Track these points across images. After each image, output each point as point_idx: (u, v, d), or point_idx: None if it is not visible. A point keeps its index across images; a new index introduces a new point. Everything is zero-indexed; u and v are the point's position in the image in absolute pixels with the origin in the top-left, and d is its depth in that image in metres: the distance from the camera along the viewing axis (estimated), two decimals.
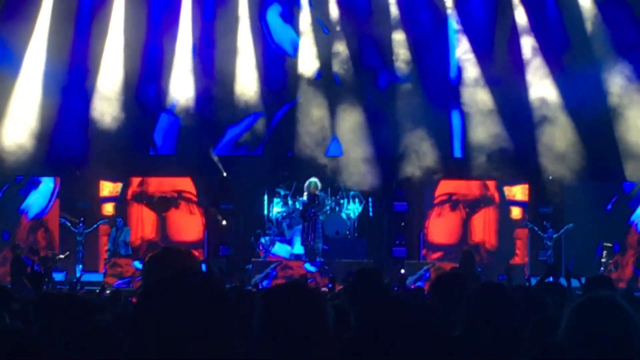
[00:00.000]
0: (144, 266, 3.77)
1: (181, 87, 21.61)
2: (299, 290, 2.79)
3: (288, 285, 2.90)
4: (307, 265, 18.29)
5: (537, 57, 21.17)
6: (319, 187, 18.89)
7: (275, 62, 22.21)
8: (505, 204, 20.97)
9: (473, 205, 20.99)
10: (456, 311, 4.26)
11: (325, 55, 21.71)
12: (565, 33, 21.17)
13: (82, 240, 19.81)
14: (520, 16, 21.39)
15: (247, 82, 21.70)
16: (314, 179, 18.89)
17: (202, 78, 21.71)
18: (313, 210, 18.48)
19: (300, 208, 19.19)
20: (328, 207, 19.36)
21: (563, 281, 8.42)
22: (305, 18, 21.96)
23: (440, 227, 20.99)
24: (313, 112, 21.45)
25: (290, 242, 19.68)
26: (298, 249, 19.44)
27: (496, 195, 21.03)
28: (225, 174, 21.41)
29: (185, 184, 21.44)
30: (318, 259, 18.58)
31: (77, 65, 21.35)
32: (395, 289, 12.56)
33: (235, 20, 21.81)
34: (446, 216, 21.01)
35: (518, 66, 21.19)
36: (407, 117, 20.75)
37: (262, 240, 19.58)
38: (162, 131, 22.16)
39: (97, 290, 12.98)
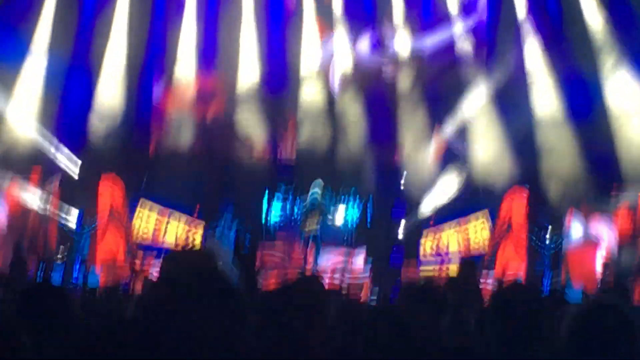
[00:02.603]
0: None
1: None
2: (298, 289, 2.85)
3: (287, 285, 2.98)
4: None
5: (539, 61, 21.01)
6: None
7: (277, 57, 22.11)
8: None
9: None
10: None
11: None
12: (569, 37, 20.94)
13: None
14: (523, 19, 21.20)
15: (249, 76, 21.67)
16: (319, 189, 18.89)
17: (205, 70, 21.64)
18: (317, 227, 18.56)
19: (300, 214, 19.24)
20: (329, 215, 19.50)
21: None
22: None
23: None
24: None
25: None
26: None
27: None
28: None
29: None
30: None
31: (81, 58, 21.26)
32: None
33: (239, 10, 21.69)
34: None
35: (519, 71, 21.02)
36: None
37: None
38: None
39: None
